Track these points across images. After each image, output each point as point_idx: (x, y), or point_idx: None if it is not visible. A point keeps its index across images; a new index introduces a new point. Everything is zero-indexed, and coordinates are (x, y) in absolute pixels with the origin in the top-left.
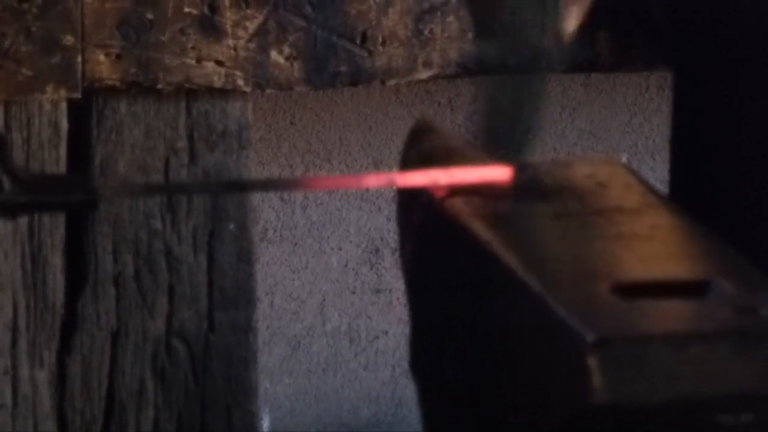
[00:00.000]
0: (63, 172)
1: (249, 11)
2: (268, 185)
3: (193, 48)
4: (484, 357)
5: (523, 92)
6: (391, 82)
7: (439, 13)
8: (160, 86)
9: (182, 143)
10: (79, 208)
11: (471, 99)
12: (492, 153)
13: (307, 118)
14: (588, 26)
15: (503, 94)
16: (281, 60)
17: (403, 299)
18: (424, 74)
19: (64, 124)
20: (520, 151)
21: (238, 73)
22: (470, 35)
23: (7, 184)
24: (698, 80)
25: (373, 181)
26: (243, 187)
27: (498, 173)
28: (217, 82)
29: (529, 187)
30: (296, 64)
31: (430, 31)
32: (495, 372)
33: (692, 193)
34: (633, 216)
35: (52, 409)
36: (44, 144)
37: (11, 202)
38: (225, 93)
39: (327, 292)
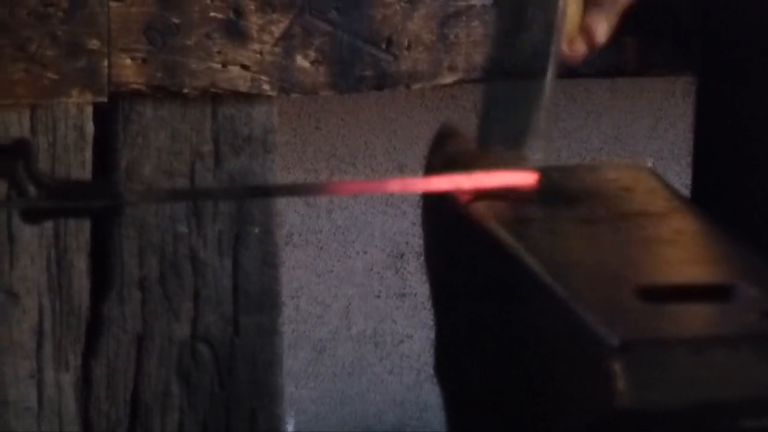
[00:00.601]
0: (88, 178)
1: (274, 16)
2: (293, 190)
3: (218, 52)
4: (509, 361)
5: (521, 94)
6: (416, 87)
7: (464, 18)
8: (185, 90)
9: (208, 147)
10: (104, 213)
11: None
12: (490, 153)
13: (332, 123)
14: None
15: (503, 95)
16: (306, 64)
17: (428, 303)
18: (449, 78)
19: (90, 128)
20: (518, 151)
21: (264, 77)
22: (495, 39)
23: (32, 189)
24: (722, 86)
25: (398, 185)
26: (268, 192)
27: (523, 178)
28: (243, 87)
29: (553, 192)
30: (321, 69)
31: (455, 36)
32: (519, 376)
33: (714, 197)
34: (658, 220)
35: (78, 413)
36: (70, 148)
37: (36, 208)
38: (250, 97)
39: (352, 296)
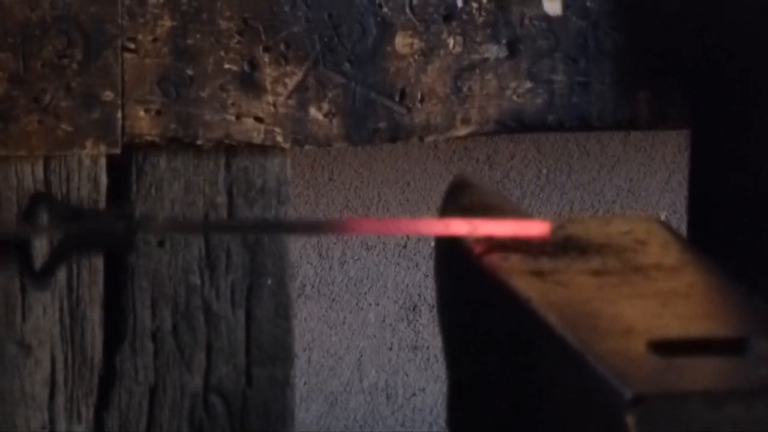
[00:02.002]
0: (102, 208)
1: (288, 68)
2: (306, 227)
3: (232, 104)
4: (522, 414)
5: None
6: (430, 139)
7: (477, 71)
8: (199, 142)
9: (221, 199)
10: (119, 240)
11: (509, 156)
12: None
13: (346, 174)
14: (628, 85)
15: None
16: (320, 116)
17: (441, 356)
18: (463, 131)
19: (104, 180)
20: None
21: (278, 129)
22: (509, 92)
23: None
24: (717, 137)
25: (412, 227)
26: (280, 227)
27: (536, 229)
28: (257, 139)
29: (567, 244)
30: (335, 121)
31: (469, 88)
32: (533, 429)
33: (710, 248)
34: (671, 273)
35: None
36: (83, 199)
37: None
38: (264, 149)
39: (364, 348)
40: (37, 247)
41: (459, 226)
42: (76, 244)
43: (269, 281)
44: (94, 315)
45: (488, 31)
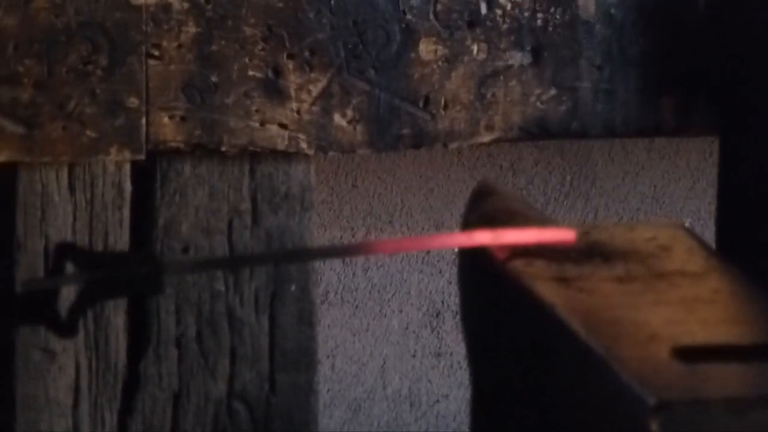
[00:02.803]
0: (125, 239)
1: (313, 75)
2: (331, 252)
3: (257, 111)
4: (546, 420)
5: None
6: (454, 145)
7: (501, 77)
8: (224, 149)
9: (245, 205)
10: (145, 283)
11: (533, 162)
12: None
13: (369, 181)
14: (652, 92)
15: None
16: (344, 123)
17: (464, 363)
18: (486, 137)
19: (128, 186)
20: None
21: (302, 135)
22: (533, 99)
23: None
24: (746, 143)
25: (437, 242)
26: (305, 256)
27: (561, 235)
28: (281, 145)
29: (591, 250)
30: (359, 127)
31: (493, 95)
32: None
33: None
34: (695, 279)
35: None
36: (108, 206)
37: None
38: (288, 156)
39: (388, 355)
40: (64, 295)
41: (483, 237)
42: (102, 292)
43: (293, 287)
44: (119, 321)
45: (512, 37)
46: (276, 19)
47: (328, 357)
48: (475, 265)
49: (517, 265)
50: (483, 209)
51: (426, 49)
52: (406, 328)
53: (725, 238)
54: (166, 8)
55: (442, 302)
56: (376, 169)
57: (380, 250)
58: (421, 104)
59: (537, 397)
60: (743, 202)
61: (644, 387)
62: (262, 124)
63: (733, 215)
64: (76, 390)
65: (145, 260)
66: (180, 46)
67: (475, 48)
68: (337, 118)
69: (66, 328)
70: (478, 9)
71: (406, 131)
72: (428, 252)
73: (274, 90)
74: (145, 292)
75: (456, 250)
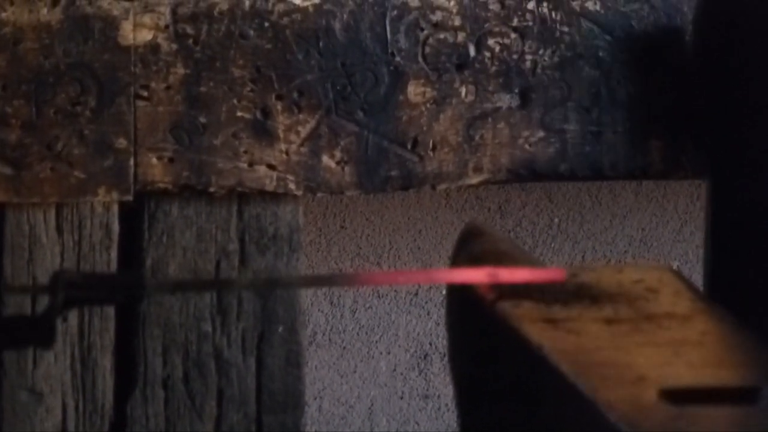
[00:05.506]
0: (113, 271)
1: (301, 116)
2: (317, 281)
3: (245, 152)
4: None
5: None
6: (442, 187)
7: (490, 119)
8: (212, 189)
9: (233, 246)
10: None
11: (521, 205)
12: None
13: (357, 222)
14: (641, 135)
15: None
16: (332, 164)
17: (452, 405)
18: (475, 179)
19: (116, 227)
20: None
21: (290, 176)
22: (521, 141)
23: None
24: (734, 186)
25: (424, 277)
26: (292, 283)
27: (548, 277)
28: (269, 186)
29: (579, 292)
30: (347, 169)
31: (481, 137)
32: None
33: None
34: (683, 322)
35: None
36: (95, 246)
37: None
38: (276, 196)
39: (375, 397)
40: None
41: (478, 274)
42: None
43: (280, 329)
44: (106, 362)
45: (500, 80)
46: (264, 61)
47: (315, 399)
48: (463, 306)
49: (505, 306)
50: (471, 251)
51: (414, 91)
52: (394, 369)
53: (713, 281)
54: (155, 49)
55: (430, 344)
56: (365, 211)
57: (369, 282)
58: (409, 146)
59: None
60: (731, 246)
61: (632, 429)
62: (251, 165)
63: (721, 258)
64: (63, 431)
65: (129, 280)
66: (168, 87)
67: (463, 90)
68: (325, 159)
69: (46, 334)
70: (467, 51)
71: (394, 173)
72: (416, 294)
73: (262, 131)
74: (128, 303)
75: (444, 291)
